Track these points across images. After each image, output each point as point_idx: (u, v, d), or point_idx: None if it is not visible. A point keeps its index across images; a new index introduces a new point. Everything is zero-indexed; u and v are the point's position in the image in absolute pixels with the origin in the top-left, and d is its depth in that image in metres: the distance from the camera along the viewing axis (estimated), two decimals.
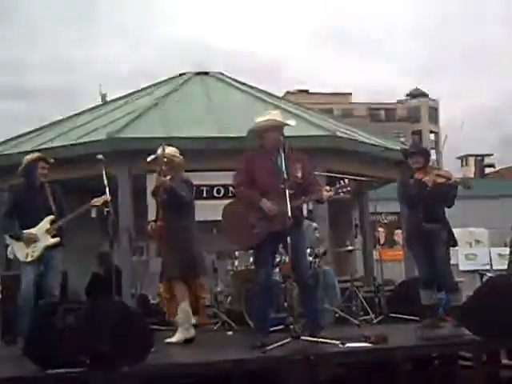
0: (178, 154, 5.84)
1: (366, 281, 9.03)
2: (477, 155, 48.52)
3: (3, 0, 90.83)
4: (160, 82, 11.28)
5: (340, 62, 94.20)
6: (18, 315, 5.73)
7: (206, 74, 11.15)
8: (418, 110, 58.87)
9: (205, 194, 8.40)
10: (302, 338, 4.79)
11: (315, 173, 5.63)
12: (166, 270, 5.64)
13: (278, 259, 6.15)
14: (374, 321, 6.68)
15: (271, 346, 4.64)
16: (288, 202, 4.83)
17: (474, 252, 17.80)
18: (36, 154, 6.15)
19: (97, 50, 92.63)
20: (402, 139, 52.45)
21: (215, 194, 8.45)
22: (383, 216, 13.70)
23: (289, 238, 4.91)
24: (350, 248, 7.44)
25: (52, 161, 6.10)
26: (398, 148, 9.68)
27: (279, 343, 4.68)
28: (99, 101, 14.66)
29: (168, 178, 5.64)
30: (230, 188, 8.39)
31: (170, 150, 5.77)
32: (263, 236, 5.05)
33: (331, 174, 6.85)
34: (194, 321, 5.60)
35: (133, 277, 7.77)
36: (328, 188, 5.09)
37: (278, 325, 5.86)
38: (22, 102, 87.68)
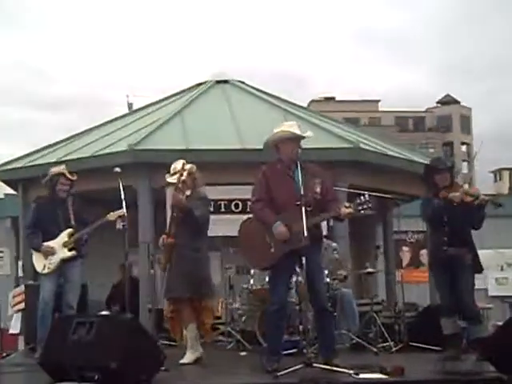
0: (195, 170, 5.71)
1: (387, 305, 8.76)
2: None
3: (38, 7, 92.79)
4: (181, 91, 11.21)
5: (369, 67, 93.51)
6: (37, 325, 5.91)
7: (226, 82, 11.02)
8: (448, 119, 57.18)
9: (223, 209, 8.35)
10: (315, 365, 4.64)
11: (335, 188, 5.45)
12: (172, 288, 5.52)
13: (294, 279, 5.99)
14: (393, 349, 6.40)
15: (282, 372, 4.50)
16: (304, 220, 4.65)
17: (505, 276, 16.84)
18: (58, 169, 6.21)
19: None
20: (431, 150, 51.75)
21: (233, 209, 8.38)
22: (409, 235, 13.20)
23: (305, 258, 4.74)
24: (370, 270, 7.19)
25: (74, 178, 6.18)
26: (426, 162, 9.44)
27: (290, 369, 4.54)
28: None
29: (186, 194, 5.55)
30: (249, 203, 8.33)
31: (188, 166, 5.69)
32: (279, 256, 4.89)
33: (352, 190, 6.63)
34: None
35: (151, 290, 7.69)
36: (347, 204, 4.84)
37: (292, 348, 5.72)
38: (49, 111, 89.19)
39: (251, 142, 8.26)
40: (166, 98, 11.17)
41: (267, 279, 6.58)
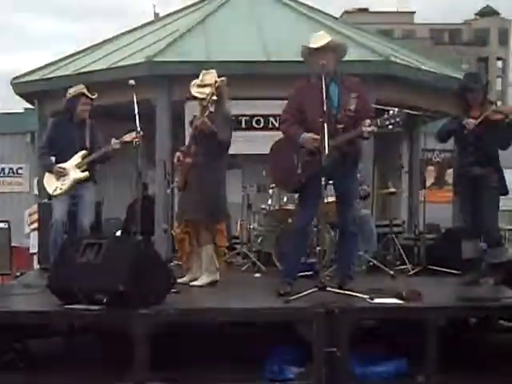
0: (225, 83, 5.36)
1: (408, 227, 8.60)
2: None
3: None
4: (202, 0, 10.72)
5: None
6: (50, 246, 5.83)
7: None
8: (486, 33, 54.90)
9: (243, 125, 8.09)
10: (328, 288, 4.51)
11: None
12: (190, 210, 5.35)
13: None
14: (411, 272, 6.27)
15: (295, 296, 4.40)
16: (326, 139, 4.36)
17: None
18: (79, 89, 5.94)
19: None
20: (465, 66, 50.05)
21: (255, 125, 8.14)
22: (435, 153, 12.75)
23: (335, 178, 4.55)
24: (391, 190, 6.96)
25: (95, 96, 5.94)
26: (458, 76, 9.00)
27: (303, 293, 4.43)
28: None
29: (210, 110, 5.22)
30: (271, 119, 8.12)
31: (214, 75, 5.34)
32: (305, 177, 4.68)
33: (379, 106, 6.31)
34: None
35: (167, 210, 7.60)
36: (368, 122, 4.53)
37: (308, 270, 5.60)
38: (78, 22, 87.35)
39: (277, 54, 7.93)
40: (188, 7, 10.68)
41: (285, 199, 6.52)
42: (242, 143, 7.38)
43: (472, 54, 53.18)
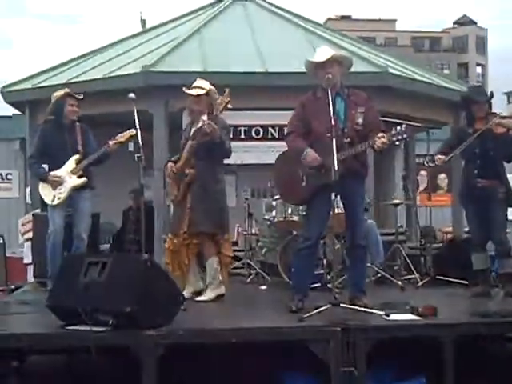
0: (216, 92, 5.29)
1: (409, 233, 8.57)
2: None
3: None
4: (199, 9, 10.63)
5: None
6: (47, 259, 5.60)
7: None
8: (464, 40, 56.04)
9: (242, 135, 8.06)
10: (342, 305, 4.41)
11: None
12: (198, 221, 5.19)
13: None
14: (419, 283, 6.21)
15: (309, 314, 4.28)
16: (335, 153, 4.30)
17: None
18: (64, 91, 5.77)
19: None
20: (446, 71, 50.73)
21: (254, 135, 8.11)
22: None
23: (343, 192, 4.47)
24: (396, 202, 6.88)
25: (81, 97, 5.74)
26: (455, 88, 9.04)
27: (317, 310, 4.32)
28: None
29: (203, 118, 5.15)
30: (270, 129, 8.08)
31: (207, 84, 5.29)
32: (310, 191, 4.62)
33: (384, 119, 6.28)
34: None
35: (166, 219, 7.46)
36: (380, 134, 4.46)
37: (316, 282, 5.54)
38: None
39: (274, 65, 7.87)
40: (183, 16, 10.60)
41: (290, 211, 6.44)
42: (240, 153, 7.29)
43: (452, 60, 54.04)
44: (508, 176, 5.50)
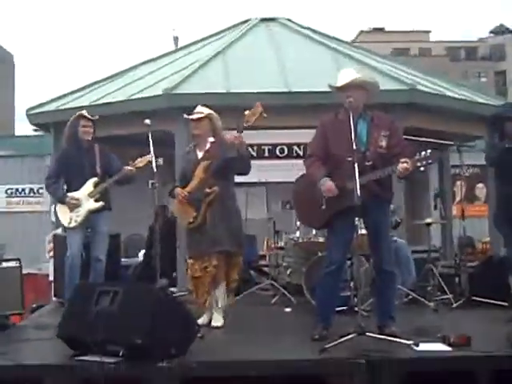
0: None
1: (443, 252, 8.23)
2: None
3: None
4: (223, 30, 10.57)
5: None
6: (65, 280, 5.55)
7: (272, 20, 10.31)
8: (502, 48, 54.99)
9: (266, 154, 7.98)
10: (368, 334, 4.17)
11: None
12: (222, 240, 5.04)
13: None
14: (454, 304, 5.89)
15: (331, 344, 4.06)
16: (356, 177, 4.18)
17: None
18: (79, 113, 5.78)
19: None
20: (484, 79, 49.78)
21: (278, 154, 8.00)
22: (464, 169, 12.47)
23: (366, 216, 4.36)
24: (429, 221, 6.58)
25: (96, 117, 5.75)
26: (487, 102, 8.75)
27: (340, 340, 4.10)
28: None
29: (209, 140, 5.24)
30: (295, 148, 7.93)
31: (207, 109, 5.32)
32: (329, 214, 4.48)
33: (411, 137, 6.05)
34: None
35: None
36: (403, 160, 4.27)
37: (342, 305, 5.30)
38: None
39: (298, 84, 7.72)
40: (207, 38, 10.52)
41: (314, 232, 6.23)
42: (264, 172, 7.35)
43: (489, 68, 53.03)
44: None
